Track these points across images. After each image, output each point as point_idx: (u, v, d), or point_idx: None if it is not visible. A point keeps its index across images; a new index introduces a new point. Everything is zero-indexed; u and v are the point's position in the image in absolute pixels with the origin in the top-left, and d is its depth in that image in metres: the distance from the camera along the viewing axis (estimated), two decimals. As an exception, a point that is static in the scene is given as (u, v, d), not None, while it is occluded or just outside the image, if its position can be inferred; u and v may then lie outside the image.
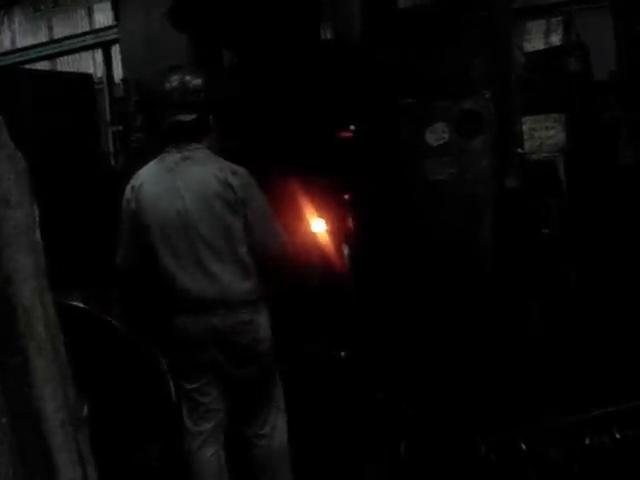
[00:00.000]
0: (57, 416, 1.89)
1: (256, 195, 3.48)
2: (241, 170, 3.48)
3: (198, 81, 3.49)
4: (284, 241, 3.58)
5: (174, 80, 3.47)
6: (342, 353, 4.65)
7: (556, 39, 6.02)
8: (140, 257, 3.47)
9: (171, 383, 3.77)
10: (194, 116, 3.44)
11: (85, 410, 3.39)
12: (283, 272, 3.77)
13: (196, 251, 3.38)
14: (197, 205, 3.38)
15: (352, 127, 4.79)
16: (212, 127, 3.54)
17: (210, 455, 3.50)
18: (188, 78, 3.48)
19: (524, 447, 4.02)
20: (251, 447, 3.62)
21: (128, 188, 3.49)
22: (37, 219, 2.00)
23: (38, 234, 1.99)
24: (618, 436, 3.93)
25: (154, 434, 3.91)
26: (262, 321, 3.51)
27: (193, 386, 3.49)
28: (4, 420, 1.81)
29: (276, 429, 3.62)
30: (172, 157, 3.46)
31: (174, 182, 3.41)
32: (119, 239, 3.51)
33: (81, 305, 3.84)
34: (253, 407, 3.59)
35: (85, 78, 6.30)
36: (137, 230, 3.45)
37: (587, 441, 3.96)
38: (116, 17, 6.39)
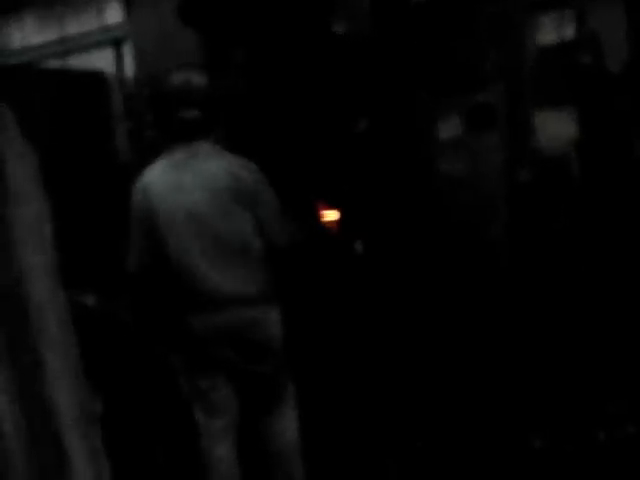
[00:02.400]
0: (70, 413, 1.89)
1: (266, 189, 3.47)
2: (250, 165, 3.47)
3: (202, 78, 3.49)
4: (293, 232, 3.61)
5: (178, 77, 3.46)
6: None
7: (569, 32, 5.98)
8: (151, 257, 3.45)
9: (181, 382, 3.77)
10: (200, 112, 3.43)
11: (99, 407, 3.40)
12: (292, 264, 3.77)
13: (208, 248, 3.36)
14: (207, 202, 3.36)
15: (365, 121, 4.78)
16: (219, 123, 3.54)
17: (222, 452, 3.48)
18: (192, 75, 3.48)
19: (538, 443, 4.01)
20: (263, 444, 3.62)
21: (136, 188, 3.46)
22: (48, 215, 2.00)
23: (49, 231, 1.99)
24: (632, 430, 3.92)
25: (164, 432, 3.91)
26: (274, 318, 3.50)
27: (206, 383, 3.48)
28: (17, 416, 1.81)
29: (288, 426, 3.61)
30: (180, 154, 3.43)
31: (183, 179, 3.38)
32: (130, 240, 3.49)
33: (93, 302, 3.85)
34: (265, 404, 3.59)
35: (97, 75, 6.30)
36: (147, 230, 3.42)
37: (601, 436, 3.95)
38: (127, 14, 6.39)
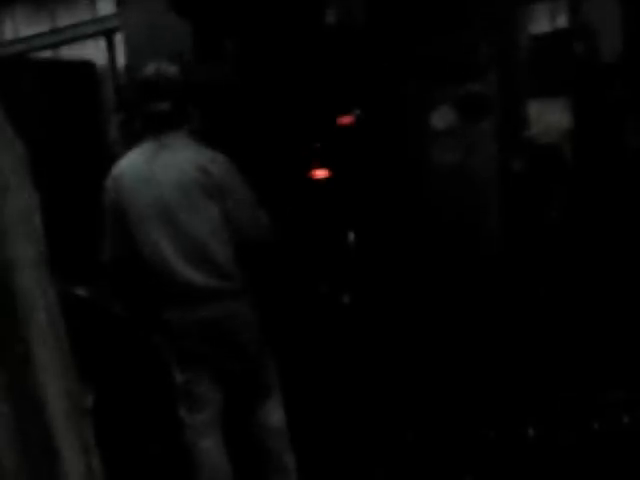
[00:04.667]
0: (59, 405, 1.88)
1: (236, 182, 3.43)
2: (220, 157, 3.43)
3: (173, 69, 3.47)
4: (267, 226, 3.54)
5: (149, 70, 3.46)
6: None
7: (562, 22, 5.97)
8: (124, 249, 3.44)
9: (173, 373, 3.77)
10: (170, 104, 3.41)
11: (90, 400, 3.39)
12: (266, 257, 3.75)
13: (178, 242, 3.34)
14: (176, 194, 3.33)
15: (357, 112, 4.77)
16: (191, 114, 3.50)
17: (209, 446, 3.47)
18: (163, 67, 3.46)
19: (532, 433, 4.01)
20: (251, 435, 3.62)
21: (108, 179, 3.46)
22: (37, 206, 1.98)
23: (38, 221, 1.97)
24: (626, 420, 3.92)
25: (157, 424, 3.90)
26: (247, 309, 3.48)
27: (186, 377, 3.46)
28: (6, 409, 1.80)
29: (274, 415, 3.61)
30: (150, 146, 3.43)
31: (152, 171, 3.37)
32: (104, 232, 3.48)
33: (84, 293, 3.83)
34: (249, 396, 3.58)
35: (87, 66, 6.27)
36: (118, 221, 3.41)
37: (595, 426, 3.96)
38: (118, 4, 6.35)
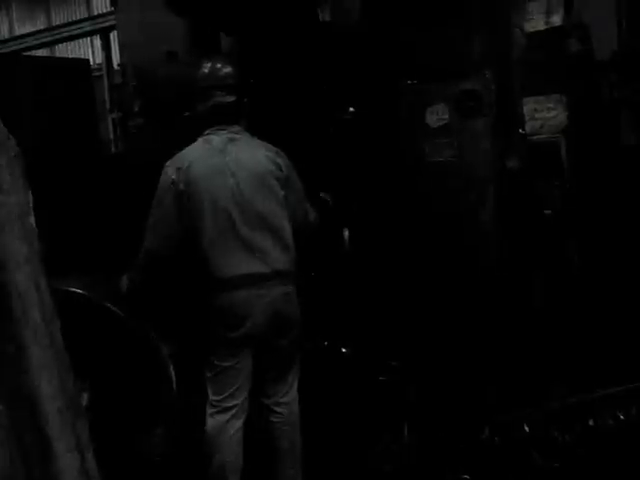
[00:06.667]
0: (54, 403, 1.88)
1: (295, 175, 3.75)
2: (280, 151, 3.73)
3: (229, 67, 3.74)
4: (314, 220, 3.91)
5: (206, 67, 3.72)
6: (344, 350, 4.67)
7: (557, 19, 5.97)
8: (177, 240, 3.55)
9: (172, 368, 3.79)
10: (234, 98, 3.68)
11: (85, 398, 3.40)
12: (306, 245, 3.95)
13: (251, 227, 3.53)
14: (252, 183, 3.56)
15: (351, 109, 4.77)
16: (246, 109, 3.78)
17: (235, 431, 3.58)
18: (219, 65, 3.73)
19: (527, 429, 4.01)
20: (271, 414, 3.72)
21: (171, 170, 3.59)
22: (31, 205, 1.99)
23: (32, 220, 1.98)
24: (622, 417, 3.93)
25: (156, 420, 3.91)
26: (295, 291, 3.68)
27: (228, 364, 3.57)
28: (0, 407, 1.80)
29: (295, 396, 3.76)
30: (219, 138, 3.63)
31: (225, 162, 3.57)
32: (151, 224, 3.57)
33: (79, 291, 3.84)
34: (281, 376, 3.72)
35: (82, 64, 6.28)
36: (183, 211, 3.54)
37: (591, 422, 3.96)
38: (113, 2, 6.36)
